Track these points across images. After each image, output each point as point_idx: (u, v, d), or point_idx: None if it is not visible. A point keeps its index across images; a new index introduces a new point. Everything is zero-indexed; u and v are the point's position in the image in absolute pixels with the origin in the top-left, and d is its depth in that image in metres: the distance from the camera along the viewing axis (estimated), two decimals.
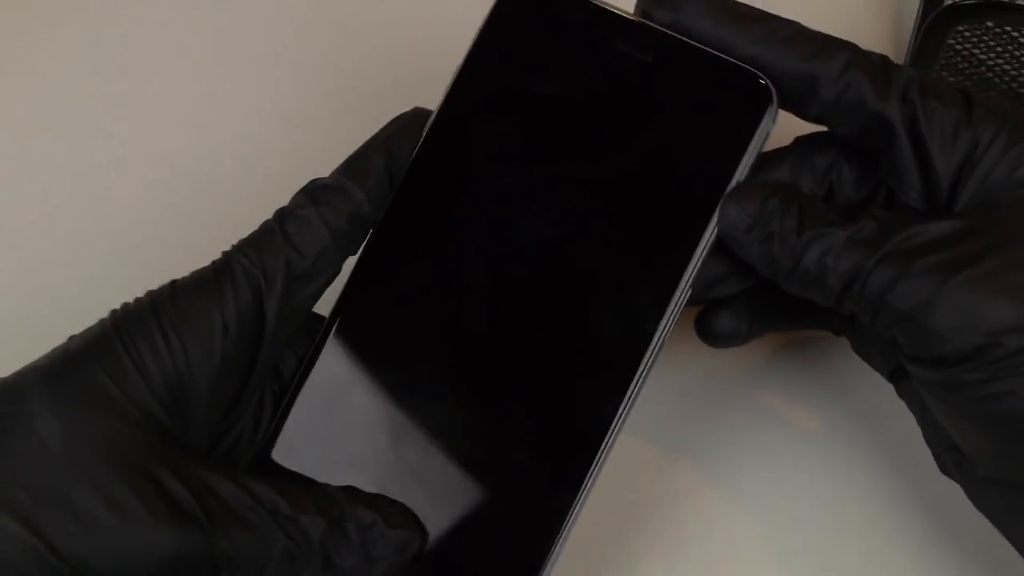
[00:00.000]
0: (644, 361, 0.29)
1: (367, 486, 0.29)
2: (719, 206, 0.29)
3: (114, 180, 0.41)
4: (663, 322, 0.29)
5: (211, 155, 0.41)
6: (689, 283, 0.29)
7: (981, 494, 0.30)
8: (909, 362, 0.29)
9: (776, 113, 0.30)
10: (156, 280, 0.29)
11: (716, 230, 0.29)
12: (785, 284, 0.30)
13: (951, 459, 0.31)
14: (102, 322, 0.28)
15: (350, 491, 0.29)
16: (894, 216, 0.30)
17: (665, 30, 0.30)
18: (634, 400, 0.29)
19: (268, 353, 0.29)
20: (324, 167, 0.31)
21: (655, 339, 0.29)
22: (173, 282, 0.28)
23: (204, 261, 0.29)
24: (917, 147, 0.30)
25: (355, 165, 0.30)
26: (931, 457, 0.32)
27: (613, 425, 0.29)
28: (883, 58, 0.31)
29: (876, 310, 0.28)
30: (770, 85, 0.29)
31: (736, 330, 0.33)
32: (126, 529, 0.25)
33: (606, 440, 0.29)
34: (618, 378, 0.29)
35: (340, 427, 0.30)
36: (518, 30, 0.31)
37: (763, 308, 0.34)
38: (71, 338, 0.28)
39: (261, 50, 0.44)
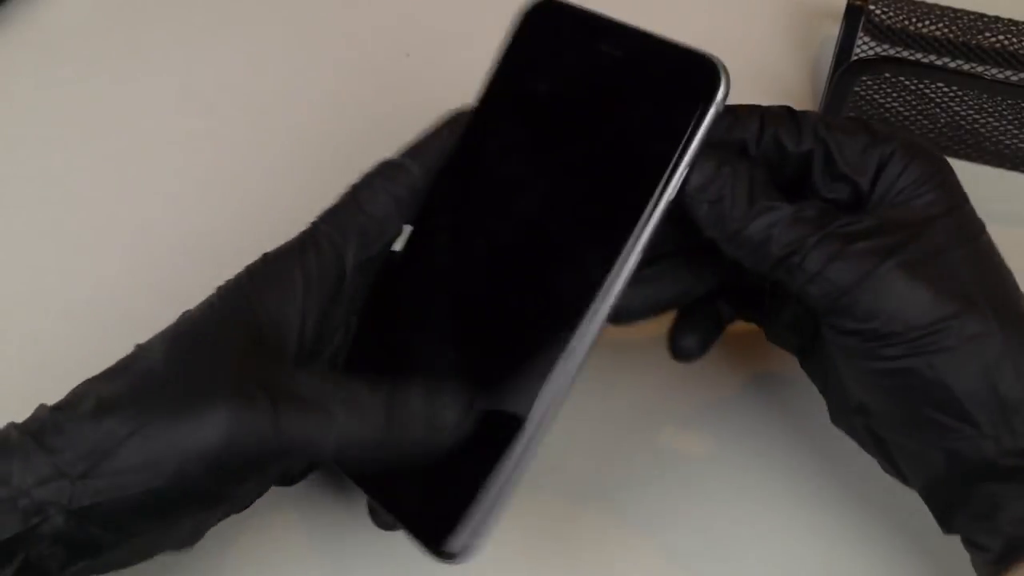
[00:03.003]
0: (605, 282, 0.30)
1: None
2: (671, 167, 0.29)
3: (203, 195, 0.45)
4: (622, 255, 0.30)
5: (275, 176, 0.46)
6: (647, 233, 0.30)
7: (885, 446, 0.32)
8: (832, 331, 0.31)
9: (727, 87, 0.30)
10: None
11: (671, 190, 0.30)
12: (727, 244, 0.31)
13: (858, 420, 0.33)
14: (211, 297, 0.32)
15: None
16: (825, 207, 0.31)
17: (634, 26, 0.32)
18: (595, 318, 0.30)
19: (349, 293, 0.33)
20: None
21: (615, 268, 0.30)
22: (264, 254, 0.33)
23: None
24: (831, 170, 0.32)
25: (414, 148, 0.34)
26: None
27: (577, 330, 0.30)
28: (787, 109, 0.33)
29: (811, 280, 0.30)
30: (719, 65, 0.30)
31: (699, 347, 0.36)
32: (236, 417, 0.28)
33: (574, 337, 0.30)
34: (586, 290, 0.30)
35: (390, 342, 0.33)
36: (532, 43, 0.34)
37: (712, 321, 0.36)
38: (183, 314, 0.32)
39: (319, 89, 0.49)
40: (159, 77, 0.50)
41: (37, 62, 0.50)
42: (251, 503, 0.33)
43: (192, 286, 0.41)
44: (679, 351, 0.36)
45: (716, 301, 0.37)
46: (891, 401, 0.31)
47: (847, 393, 0.33)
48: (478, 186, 0.34)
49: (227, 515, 0.33)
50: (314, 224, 0.33)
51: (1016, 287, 0.32)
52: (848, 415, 0.33)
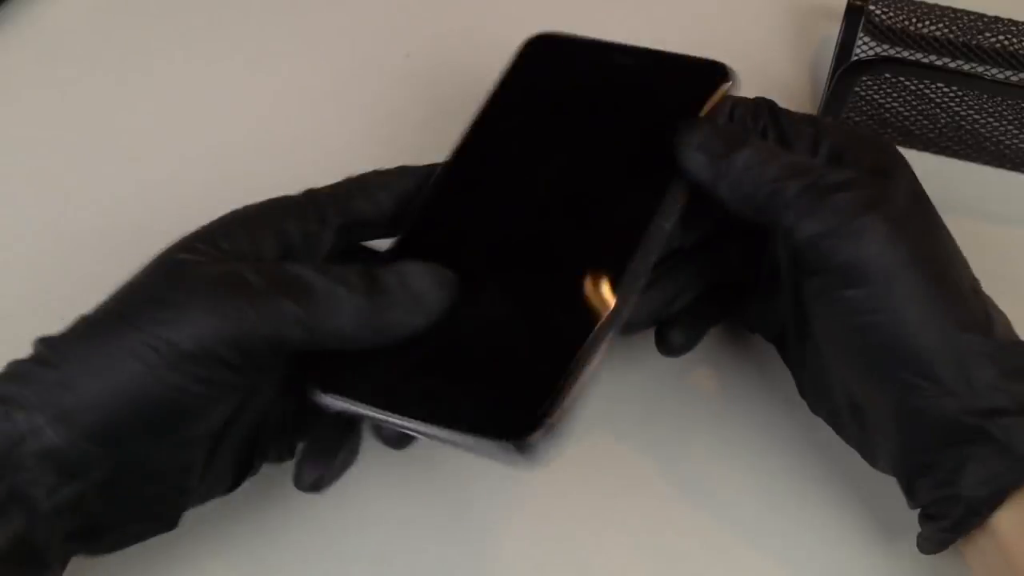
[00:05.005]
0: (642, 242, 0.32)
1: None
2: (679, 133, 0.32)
3: (203, 195, 0.45)
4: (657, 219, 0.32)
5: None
6: (671, 200, 0.32)
7: (849, 431, 0.34)
8: (811, 274, 0.32)
9: (732, 84, 0.33)
10: None
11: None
12: (716, 183, 0.32)
13: (838, 395, 0.34)
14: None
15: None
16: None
17: (637, 46, 0.36)
18: (641, 263, 0.31)
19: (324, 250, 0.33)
20: None
21: (652, 228, 0.32)
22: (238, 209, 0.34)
23: None
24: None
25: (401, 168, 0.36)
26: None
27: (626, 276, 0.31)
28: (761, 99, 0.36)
29: (798, 220, 0.31)
30: (727, 68, 0.33)
31: (687, 340, 0.38)
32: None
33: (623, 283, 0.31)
34: (628, 241, 0.32)
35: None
36: (533, 70, 0.37)
37: (699, 318, 0.38)
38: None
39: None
40: (159, 77, 0.50)
41: (37, 62, 0.51)
42: (236, 485, 0.33)
43: None
44: (668, 346, 0.38)
45: (702, 302, 0.38)
46: (860, 359, 0.32)
47: (824, 366, 0.34)
48: (515, 163, 0.35)
49: (211, 492, 0.33)
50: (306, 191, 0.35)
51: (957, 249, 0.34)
52: (825, 393, 0.35)
